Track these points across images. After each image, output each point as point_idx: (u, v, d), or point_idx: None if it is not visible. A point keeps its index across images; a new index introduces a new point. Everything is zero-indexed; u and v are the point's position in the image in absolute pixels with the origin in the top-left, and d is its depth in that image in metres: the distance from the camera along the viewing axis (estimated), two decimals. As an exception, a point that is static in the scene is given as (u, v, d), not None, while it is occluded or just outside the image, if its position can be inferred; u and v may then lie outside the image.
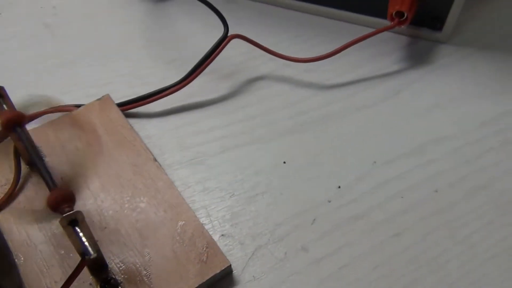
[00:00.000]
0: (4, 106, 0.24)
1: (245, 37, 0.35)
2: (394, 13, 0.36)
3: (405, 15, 0.36)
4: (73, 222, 0.20)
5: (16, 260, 0.26)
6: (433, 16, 0.39)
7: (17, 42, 0.41)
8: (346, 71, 0.38)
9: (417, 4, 0.37)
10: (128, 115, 0.35)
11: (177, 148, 0.33)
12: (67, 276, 0.22)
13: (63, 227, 0.20)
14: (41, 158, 0.22)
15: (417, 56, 0.39)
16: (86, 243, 0.20)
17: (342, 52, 0.36)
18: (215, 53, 0.34)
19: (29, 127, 0.31)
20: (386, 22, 0.40)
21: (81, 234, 0.20)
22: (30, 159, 0.22)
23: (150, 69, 0.38)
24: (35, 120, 0.33)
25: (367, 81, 0.37)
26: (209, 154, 0.33)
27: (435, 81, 0.37)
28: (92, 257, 0.20)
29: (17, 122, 0.23)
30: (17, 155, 0.28)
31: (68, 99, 0.36)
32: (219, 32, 0.36)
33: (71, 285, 0.22)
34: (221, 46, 0.34)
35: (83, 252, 0.20)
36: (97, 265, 0.24)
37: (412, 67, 0.38)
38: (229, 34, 0.35)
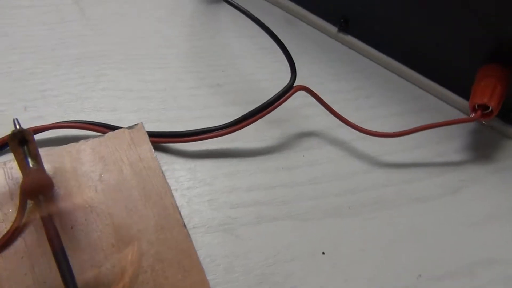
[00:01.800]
0: (29, 159, 0.18)
1: (312, 91, 0.30)
2: (477, 104, 0.32)
3: (490, 109, 0.32)
4: None
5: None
6: (509, 108, 0.35)
7: (28, 16, 0.34)
8: (404, 148, 0.34)
9: (505, 98, 0.32)
10: (157, 148, 0.30)
11: (208, 206, 0.28)
12: None
13: None
14: (64, 253, 0.17)
15: (482, 149, 0.35)
16: None
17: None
18: (277, 104, 0.29)
19: (41, 145, 0.26)
20: (462, 101, 0.36)
21: None
22: (52, 246, 0.17)
23: (191, 90, 0.33)
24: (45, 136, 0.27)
25: (425, 168, 0.33)
26: (241, 222, 0.28)
27: (497, 184, 0.33)
28: None
29: (43, 191, 0.18)
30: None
31: (86, 107, 0.30)
32: (274, 61, 0.31)
33: None
34: (285, 97, 0.29)
35: None
36: None
37: (474, 161, 0.34)
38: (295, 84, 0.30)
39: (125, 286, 0.22)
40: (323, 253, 0.28)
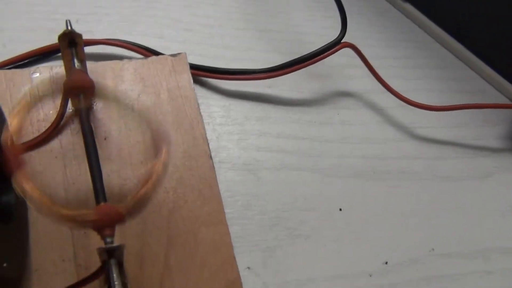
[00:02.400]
0: (76, 61, 0.19)
1: (359, 51, 0.30)
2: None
3: (540, 99, 0.31)
4: (110, 254, 0.17)
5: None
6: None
7: None
8: (442, 125, 0.33)
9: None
10: (196, 81, 0.30)
11: (236, 144, 0.29)
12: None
13: (99, 255, 0.17)
14: (95, 148, 0.18)
15: (522, 139, 0.34)
16: (116, 284, 0.17)
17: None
18: (320, 57, 0.29)
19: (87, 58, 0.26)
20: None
21: (114, 273, 0.16)
22: (85, 140, 0.18)
23: (239, 32, 0.33)
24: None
25: (460, 148, 0.32)
26: (265, 166, 0.29)
27: (530, 177, 0.32)
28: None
29: (84, 91, 0.18)
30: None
31: (135, 30, 0.31)
32: (326, 16, 0.30)
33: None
34: (330, 51, 0.29)
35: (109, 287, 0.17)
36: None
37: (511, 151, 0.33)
38: (343, 40, 0.29)
39: (147, 191, 0.22)
40: (340, 209, 0.28)
